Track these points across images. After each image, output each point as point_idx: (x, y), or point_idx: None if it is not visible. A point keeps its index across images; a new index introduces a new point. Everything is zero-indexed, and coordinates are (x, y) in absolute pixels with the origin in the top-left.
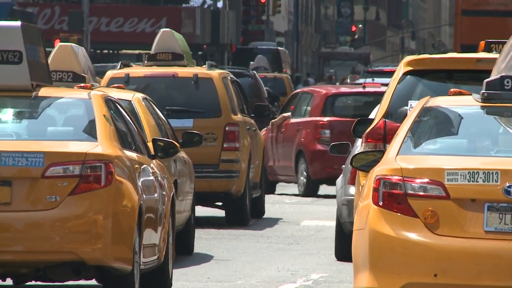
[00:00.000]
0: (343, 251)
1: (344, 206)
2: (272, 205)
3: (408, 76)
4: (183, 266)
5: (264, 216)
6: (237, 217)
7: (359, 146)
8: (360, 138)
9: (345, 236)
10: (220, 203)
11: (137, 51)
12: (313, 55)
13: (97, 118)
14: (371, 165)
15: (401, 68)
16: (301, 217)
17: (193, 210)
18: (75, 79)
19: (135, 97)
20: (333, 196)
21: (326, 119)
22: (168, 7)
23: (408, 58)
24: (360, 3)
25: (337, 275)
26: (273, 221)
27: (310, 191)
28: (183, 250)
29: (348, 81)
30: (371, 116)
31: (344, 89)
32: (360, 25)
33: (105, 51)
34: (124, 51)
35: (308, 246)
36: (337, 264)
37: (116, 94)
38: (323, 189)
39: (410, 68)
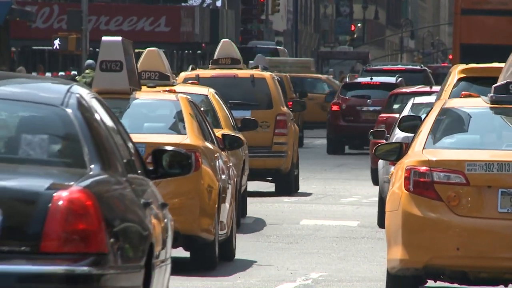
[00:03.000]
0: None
1: (386, 184)
2: (271, 204)
3: (462, 82)
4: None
5: (264, 216)
6: (285, 189)
7: (396, 135)
8: (406, 132)
9: None
10: (270, 178)
11: (136, 50)
12: (312, 54)
13: (185, 115)
14: (389, 153)
15: (455, 75)
16: (300, 216)
17: (246, 182)
18: (161, 77)
19: (210, 92)
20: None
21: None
22: (167, 6)
23: (461, 66)
24: (359, 2)
25: (336, 274)
26: (273, 220)
27: None
28: (239, 213)
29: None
30: (404, 113)
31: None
32: (359, 24)
33: None
34: None
35: (307, 245)
36: (336, 263)
37: (193, 89)
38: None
39: (464, 75)
